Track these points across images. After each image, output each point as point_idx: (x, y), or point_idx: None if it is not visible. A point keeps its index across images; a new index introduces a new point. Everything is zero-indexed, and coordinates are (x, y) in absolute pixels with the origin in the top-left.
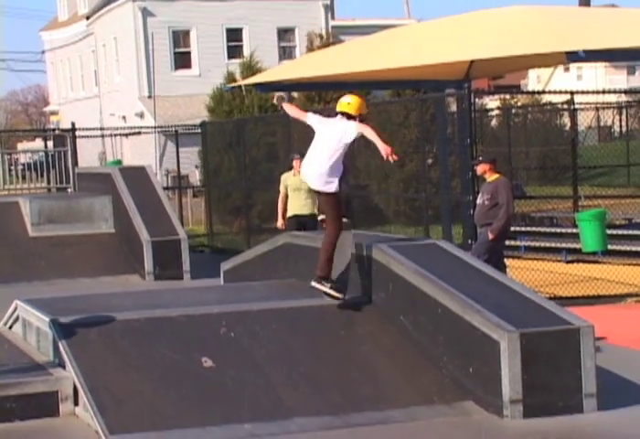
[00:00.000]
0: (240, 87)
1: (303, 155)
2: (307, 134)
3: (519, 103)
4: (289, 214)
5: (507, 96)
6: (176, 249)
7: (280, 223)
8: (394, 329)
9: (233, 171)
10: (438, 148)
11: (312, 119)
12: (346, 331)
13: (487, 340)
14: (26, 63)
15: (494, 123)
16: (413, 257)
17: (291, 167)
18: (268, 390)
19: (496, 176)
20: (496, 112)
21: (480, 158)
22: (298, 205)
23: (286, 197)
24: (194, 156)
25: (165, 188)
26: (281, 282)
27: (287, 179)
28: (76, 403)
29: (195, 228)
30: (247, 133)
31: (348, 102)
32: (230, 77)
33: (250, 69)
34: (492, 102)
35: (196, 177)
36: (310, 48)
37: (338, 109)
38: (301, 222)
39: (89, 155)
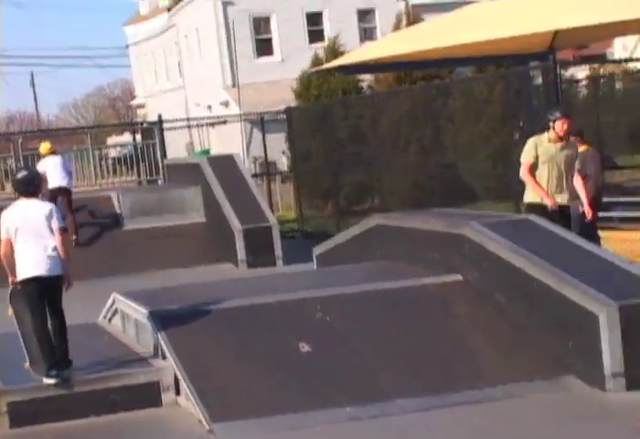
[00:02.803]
0: (323, 71)
1: (567, 115)
2: (393, 114)
3: (606, 72)
4: (529, 199)
5: (595, 66)
6: (268, 235)
7: (551, 201)
8: (490, 307)
9: (320, 155)
10: (525, 122)
11: None
12: (442, 311)
13: (586, 314)
14: (111, 58)
15: (582, 93)
16: (506, 234)
17: (544, 129)
18: (366, 372)
19: (584, 147)
20: (584, 82)
21: None
22: (552, 184)
23: (532, 169)
24: (281, 142)
25: (254, 175)
26: (374, 264)
27: (539, 145)
28: (177, 393)
29: (285, 213)
30: (332, 117)
31: None
32: (318, 61)
33: (333, 52)
34: (581, 73)
35: (283, 163)
36: (397, 28)
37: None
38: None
39: (177, 147)
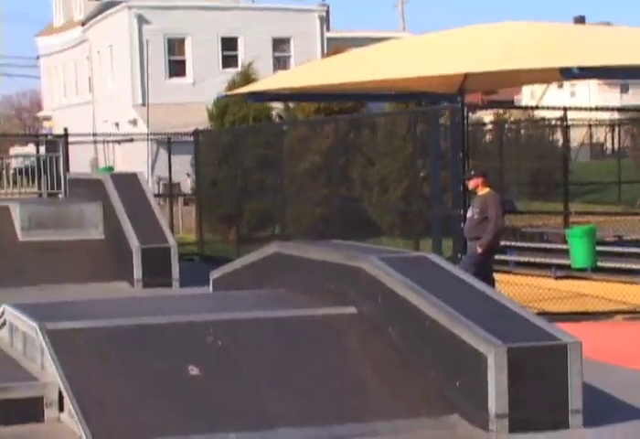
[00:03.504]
0: (237, 96)
1: None
2: (303, 144)
3: (512, 118)
4: None
5: (501, 111)
6: (166, 256)
7: None
8: (382, 341)
9: (226, 179)
10: (431, 161)
11: None
12: (334, 342)
13: (475, 354)
14: (21, 68)
15: (488, 137)
16: (402, 269)
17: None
18: (253, 399)
19: (487, 190)
20: (490, 126)
21: (472, 172)
22: None
23: None
24: (186, 164)
25: (157, 196)
26: (270, 291)
27: None
28: (61, 409)
29: (185, 236)
30: (241, 142)
31: None
32: (233, 86)
33: (246, 78)
34: (487, 117)
35: (187, 185)
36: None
37: None
38: None
39: (81, 162)
